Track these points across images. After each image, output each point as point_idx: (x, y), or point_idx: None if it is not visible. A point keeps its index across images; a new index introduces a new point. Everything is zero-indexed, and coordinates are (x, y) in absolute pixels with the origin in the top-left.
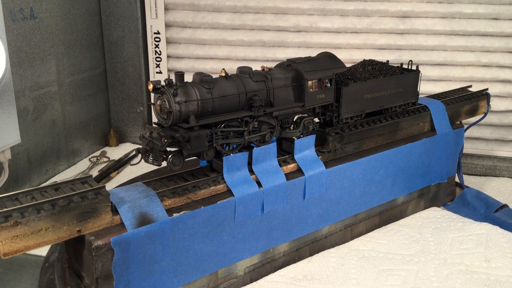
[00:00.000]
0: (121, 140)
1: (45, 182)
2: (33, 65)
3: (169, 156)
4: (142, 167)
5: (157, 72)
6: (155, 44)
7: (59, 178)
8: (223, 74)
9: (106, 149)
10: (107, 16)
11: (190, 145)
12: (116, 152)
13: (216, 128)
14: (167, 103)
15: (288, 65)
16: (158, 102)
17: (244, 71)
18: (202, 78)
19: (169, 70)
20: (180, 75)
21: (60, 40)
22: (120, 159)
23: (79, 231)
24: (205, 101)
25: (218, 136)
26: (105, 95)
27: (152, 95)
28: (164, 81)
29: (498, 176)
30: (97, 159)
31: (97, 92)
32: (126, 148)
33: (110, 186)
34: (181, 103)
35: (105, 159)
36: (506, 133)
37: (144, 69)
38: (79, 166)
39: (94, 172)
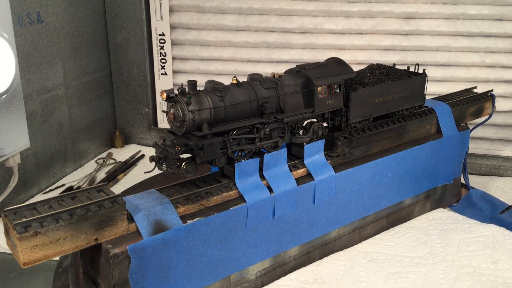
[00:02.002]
0: (126, 141)
1: (53, 184)
2: (40, 69)
3: (183, 164)
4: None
5: (162, 74)
6: (160, 46)
7: (66, 180)
8: (235, 82)
9: (111, 150)
10: (112, 18)
11: (204, 153)
12: (122, 154)
13: (228, 135)
14: (180, 111)
15: (298, 71)
16: (172, 111)
17: (255, 78)
18: (214, 86)
19: (174, 72)
20: (193, 84)
21: (66, 43)
22: (126, 161)
23: (96, 239)
24: (217, 109)
25: (232, 143)
26: (111, 97)
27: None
28: (177, 89)
29: (503, 176)
30: (104, 161)
31: (102, 94)
32: (131, 149)
33: (117, 188)
34: (195, 112)
35: (112, 161)
36: (510, 133)
37: (149, 70)
38: (86, 168)
39: (101, 174)
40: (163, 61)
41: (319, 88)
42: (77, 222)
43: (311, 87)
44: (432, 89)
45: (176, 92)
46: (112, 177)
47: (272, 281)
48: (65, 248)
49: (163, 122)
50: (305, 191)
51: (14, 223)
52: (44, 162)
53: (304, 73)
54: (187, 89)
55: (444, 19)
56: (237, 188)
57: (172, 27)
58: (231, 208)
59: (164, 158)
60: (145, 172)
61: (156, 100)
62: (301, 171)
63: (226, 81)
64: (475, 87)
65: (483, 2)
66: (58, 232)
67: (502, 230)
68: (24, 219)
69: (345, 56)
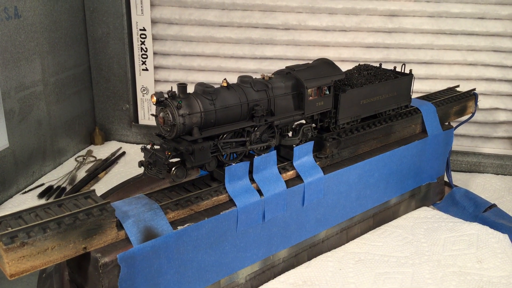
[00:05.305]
0: (106, 138)
1: (31, 184)
2: (18, 66)
3: (173, 169)
4: (131, 167)
5: (143, 69)
6: (141, 41)
7: (46, 179)
8: (225, 84)
9: (91, 147)
10: (91, 12)
11: (194, 158)
12: (102, 151)
13: (218, 139)
14: (170, 116)
15: (287, 72)
16: (161, 115)
17: (245, 81)
18: (205, 89)
19: (155, 67)
20: (183, 87)
21: (44, 38)
22: (107, 159)
23: (85, 248)
24: (208, 112)
25: (226, 146)
26: (90, 92)
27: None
28: (167, 93)
29: (483, 172)
30: (84, 158)
31: (81, 90)
32: (111, 146)
33: (99, 187)
34: (185, 116)
35: (92, 159)
36: (491, 130)
37: (129, 66)
38: (66, 166)
39: (81, 173)
40: (144, 56)
41: (309, 90)
42: (65, 231)
43: (301, 89)
44: (415, 87)
45: (165, 95)
46: (93, 176)
47: (262, 284)
48: (53, 258)
49: (144, 119)
50: (295, 194)
51: None
52: (23, 161)
53: (294, 75)
54: (177, 92)
55: (427, 17)
56: (227, 192)
57: (154, 22)
58: (221, 213)
59: (153, 163)
60: (137, 178)
61: (137, 96)
62: (290, 173)
63: (208, 77)
64: (458, 86)
65: (466, 1)
66: (45, 242)
67: (486, 228)
68: (10, 229)
69: (329, 53)
